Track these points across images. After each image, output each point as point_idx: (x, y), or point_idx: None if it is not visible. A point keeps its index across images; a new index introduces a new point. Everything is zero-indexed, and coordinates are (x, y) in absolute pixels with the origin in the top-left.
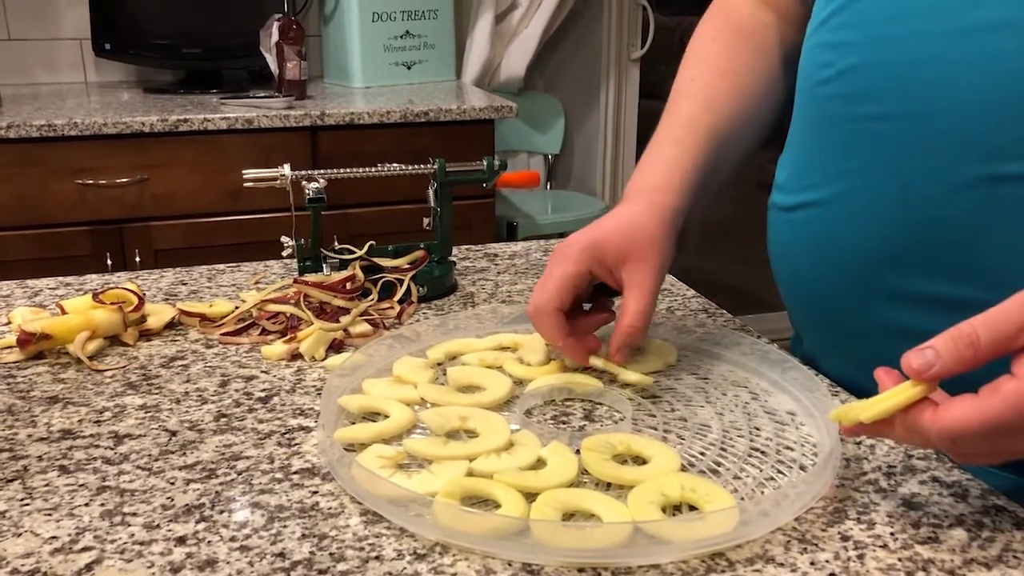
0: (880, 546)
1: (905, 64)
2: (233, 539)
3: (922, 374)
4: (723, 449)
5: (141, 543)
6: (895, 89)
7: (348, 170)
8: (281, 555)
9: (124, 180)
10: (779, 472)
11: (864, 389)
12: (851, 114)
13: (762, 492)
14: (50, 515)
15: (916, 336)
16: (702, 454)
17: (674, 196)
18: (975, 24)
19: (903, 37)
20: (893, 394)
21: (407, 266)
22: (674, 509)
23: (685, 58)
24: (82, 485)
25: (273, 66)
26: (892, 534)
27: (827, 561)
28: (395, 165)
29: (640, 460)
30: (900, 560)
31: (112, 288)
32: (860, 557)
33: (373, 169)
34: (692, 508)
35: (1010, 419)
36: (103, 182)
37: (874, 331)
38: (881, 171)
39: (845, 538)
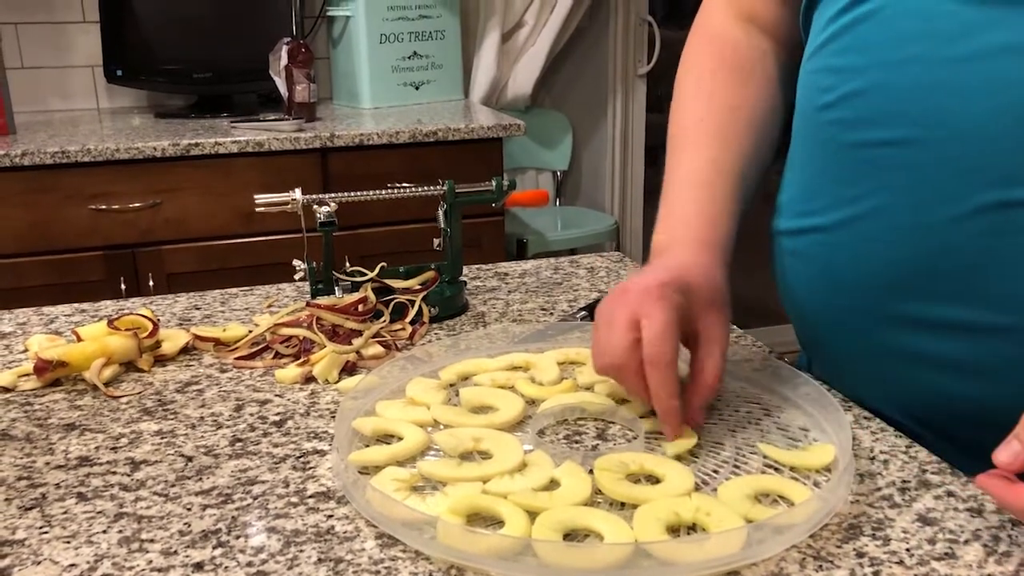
0: (896, 562)
1: (912, 89)
2: (250, 564)
3: (1011, 466)
4: (736, 466)
5: (159, 570)
6: (902, 114)
7: (358, 193)
8: None
9: (137, 205)
10: None
11: (873, 411)
12: (856, 139)
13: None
14: (68, 542)
15: (925, 359)
16: (716, 472)
17: (723, 252)
18: (983, 49)
19: (909, 62)
20: None
21: (418, 287)
22: (688, 529)
23: (683, 90)
24: (100, 512)
25: (283, 89)
26: (908, 550)
27: None
28: (405, 186)
29: (654, 479)
30: None
31: (127, 314)
32: (876, 574)
33: (383, 191)
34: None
35: None
36: (116, 207)
37: (882, 355)
38: (889, 197)
39: (860, 554)
